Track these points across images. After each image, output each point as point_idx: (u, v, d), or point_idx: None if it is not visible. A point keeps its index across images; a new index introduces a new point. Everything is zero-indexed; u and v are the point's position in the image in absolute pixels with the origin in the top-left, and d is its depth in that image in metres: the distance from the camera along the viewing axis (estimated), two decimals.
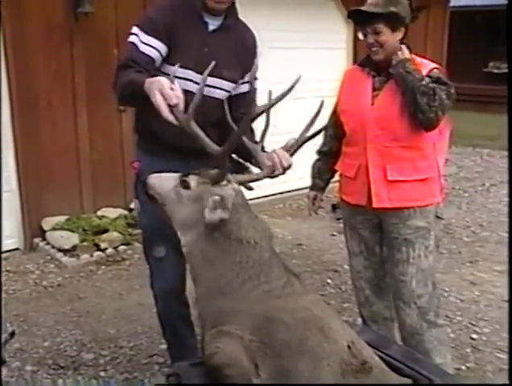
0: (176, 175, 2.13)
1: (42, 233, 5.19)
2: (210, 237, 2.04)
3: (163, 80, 2.02)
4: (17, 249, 5.13)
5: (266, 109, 2.13)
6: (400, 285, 2.85)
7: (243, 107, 2.54)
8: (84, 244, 5.01)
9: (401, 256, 2.81)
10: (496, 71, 16.24)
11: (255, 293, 1.97)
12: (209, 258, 2.05)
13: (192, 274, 2.16)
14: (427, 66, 2.72)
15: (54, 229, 5.12)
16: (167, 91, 1.97)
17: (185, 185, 2.09)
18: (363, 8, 2.66)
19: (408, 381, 1.96)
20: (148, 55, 2.39)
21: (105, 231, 5.16)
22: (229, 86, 2.59)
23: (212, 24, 2.52)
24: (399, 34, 2.70)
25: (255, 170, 2.35)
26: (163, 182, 2.15)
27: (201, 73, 2.28)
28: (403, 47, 2.68)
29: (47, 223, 5.18)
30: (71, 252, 4.96)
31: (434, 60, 8.17)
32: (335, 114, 2.94)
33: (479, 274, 4.75)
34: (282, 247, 5.03)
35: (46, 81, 5.07)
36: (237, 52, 2.59)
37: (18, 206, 5.11)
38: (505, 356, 3.49)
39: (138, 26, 2.44)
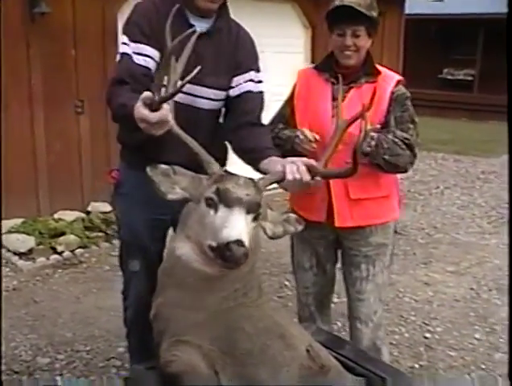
0: (247, 216, 1.82)
1: None
2: None
3: (139, 110, 1.94)
4: None
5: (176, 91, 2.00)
6: (358, 305, 2.76)
7: (247, 108, 2.41)
8: (41, 247, 4.94)
9: (359, 274, 2.72)
10: (450, 77, 16.68)
11: (228, 305, 1.94)
12: None
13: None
14: (392, 78, 2.59)
15: (9, 232, 5.02)
16: (147, 125, 1.94)
17: (257, 217, 1.89)
18: (352, 4, 2.42)
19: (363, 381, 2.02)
20: (144, 66, 2.27)
21: (62, 234, 5.09)
22: (214, 94, 2.41)
23: (200, 27, 2.33)
24: (370, 42, 2.57)
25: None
26: (249, 234, 1.81)
27: (192, 83, 2.19)
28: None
29: (3, 225, 5.06)
30: (27, 255, 4.88)
31: (390, 67, 8.32)
32: (287, 113, 2.69)
33: (432, 275, 4.87)
34: None
35: (1, 82, 4.98)
36: (230, 55, 2.42)
37: None
38: (456, 354, 3.61)
39: (126, 34, 2.32)
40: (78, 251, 5.05)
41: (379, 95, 2.43)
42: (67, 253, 4.97)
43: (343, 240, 2.75)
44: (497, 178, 8.77)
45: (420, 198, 7.49)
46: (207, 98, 2.41)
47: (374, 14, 2.48)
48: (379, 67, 2.60)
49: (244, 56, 2.46)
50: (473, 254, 5.40)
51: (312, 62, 7.52)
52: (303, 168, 2.04)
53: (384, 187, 2.67)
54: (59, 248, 4.96)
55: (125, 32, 2.34)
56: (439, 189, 7.95)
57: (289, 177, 2.03)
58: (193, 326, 1.90)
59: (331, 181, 2.56)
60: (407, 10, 9.64)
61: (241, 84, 2.43)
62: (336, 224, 2.63)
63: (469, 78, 16.45)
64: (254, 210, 1.84)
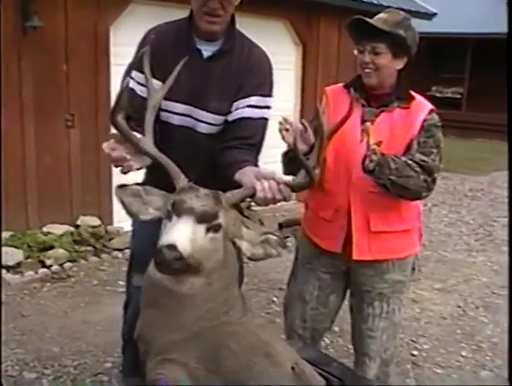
0: (197, 225, 1.80)
1: None
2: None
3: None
4: None
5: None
6: (368, 342, 2.62)
7: (235, 136, 2.33)
8: (29, 260, 4.92)
9: (372, 311, 2.56)
10: (438, 95, 16.82)
11: (211, 323, 1.93)
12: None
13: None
14: (425, 106, 2.44)
15: None
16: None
17: (216, 229, 1.85)
18: (369, 20, 2.34)
19: None
20: (145, 98, 2.22)
21: (51, 247, 5.08)
22: (213, 119, 2.40)
23: (207, 50, 2.36)
24: (400, 64, 2.41)
25: None
26: (196, 242, 1.79)
27: (183, 102, 2.31)
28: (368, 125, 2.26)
29: None
30: (15, 268, 4.85)
31: None
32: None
33: (420, 292, 4.90)
34: None
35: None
36: (237, 79, 2.37)
37: None
38: (442, 371, 3.64)
39: (131, 66, 2.32)
40: (67, 265, 5.03)
41: (410, 121, 2.38)
42: (55, 267, 4.95)
43: (356, 273, 2.57)
44: (484, 195, 8.87)
45: None
46: (206, 122, 2.41)
47: (401, 32, 2.33)
48: (413, 94, 2.46)
49: (249, 80, 2.38)
50: (460, 271, 5.45)
51: (303, 79, 7.60)
52: (275, 186, 1.95)
53: (407, 220, 2.51)
54: (48, 262, 4.94)
55: (131, 63, 2.31)
56: (427, 206, 7.99)
57: (259, 195, 1.95)
58: (177, 344, 1.90)
59: (352, 210, 2.43)
60: None
61: (239, 108, 2.37)
62: (354, 257, 2.46)
63: (458, 96, 16.63)
64: (207, 220, 1.82)
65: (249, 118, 2.36)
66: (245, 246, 1.96)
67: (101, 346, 3.70)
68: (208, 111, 2.38)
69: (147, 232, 2.41)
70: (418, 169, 2.32)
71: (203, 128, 2.41)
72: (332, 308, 2.68)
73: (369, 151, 2.24)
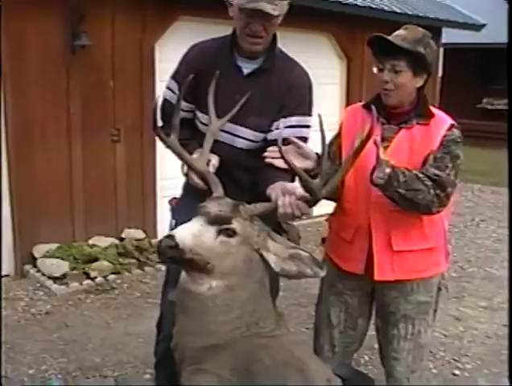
0: (208, 226, 1.90)
1: (33, 260, 5.23)
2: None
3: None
4: (7, 276, 5.15)
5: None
6: (393, 364, 2.56)
7: None
8: (74, 272, 5.04)
9: (397, 332, 2.51)
10: (490, 107, 16.48)
11: (242, 333, 1.96)
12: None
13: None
14: (445, 122, 2.39)
15: (45, 257, 5.15)
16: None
17: (229, 233, 1.92)
18: (389, 37, 2.30)
19: None
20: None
21: (96, 259, 5.19)
22: (252, 135, 2.43)
23: (246, 68, 2.41)
24: (419, 81, 2.36)
25: None
26: (200, 238, 1.88)
27: (235, 123, 2.37)
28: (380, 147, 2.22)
29: (39, 250, 5.22)
30: (61, 279, 4.98)
31: (428, 95, 8.19)
32: (333, 151, 2.48)
33: (464, 310, 4.79)
34: None
35: (41, 111, 5.17)
36: (276, 97, 2.40)
37: (10, 232, 5.15)
38: None
39: (172, 77, 2.52)
40: (111, 277, 5.14)
41: (430, 137, 2.34)
42: (99, 279, 5.07)
43: (380, 295, 2.52)
44: None
45: (455, 230, 7.37)
46: (246, 139, 2.44)
47: (421, 49, 2.28)
48: (433, 110, 2.42)
49: (291, 99, 2.41)
50: (507, 289, 5.29)
51: (347, 93, 7.58)
52: (296, 202, 2.00)
53: (430, 238, 2.44)
54: (93, 274, 5.05)
55: (172, 76, 2.50)
56: (475, 221, 7.84)
57: (280, 210, 2.01)
58: (210, 352, 1.93)
59: (373, 230, 2.39)
60: (445, 40, 9.62)
61: (280, 128, 2.39)
62: (376, 277, 2.42)
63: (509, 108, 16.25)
64: (218, 222, 1.91)
65: (287, 139, 2.34)
66: (272, 259, 1.98)
67: (141, 358, 3.75)
68: (247, 127, 2.41)
69: None
70: (428, 183, 2.27)
71: (242, 144, 2.45)
72: (360, 330, 2.63)
73: (378, 163, 2.21)
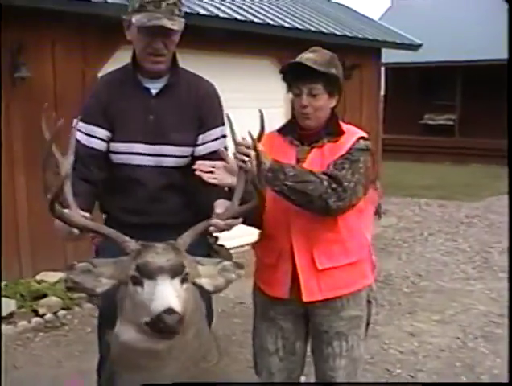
0: (173, 281, 1.80)
1: None
2: None
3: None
4: None
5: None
6: (329, 381, 2.53)
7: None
8: (22, 310, 4.88)
9: (332, 350, 2.48)
10: (431, 122, 16.98)
11: (191, 373, 1.93)
12: None
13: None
14: (353, 134, 2.44)
15: None
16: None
17: (186, 278, 1.86)
18: (305, 62, 2.32)
19: None
20: (91, 148, 2.37)
21: (45, 295, 5.04)
22: (180, 151, 2.41)
23: (154, 88, 2.41)
24: (333, 102, 2.43)
25: None
26: (180, 297, 1.78)
27: (149, 143, 2.33)
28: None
29: None
30: (8, 319, 4.79)
31: (369, 115, 8.44)
32: None
33: (418, 325, 4.86)
34: (224, 306, 5.02)
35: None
36: (190, 110, 2.44)
37: None
38: None
39: (79, 118, 2.35)
40: (60, 313, 4.99)
41: (339, 150, 2.38)
42: (49, 316, 4.91)
43: (312, 315, 2.49)
44: (480, 221, 8.86)
45: (404, 245, 7.52)
46: (173, 156, 2.42)
47: (334, 70, 2.35)
48: (344, 126, 2.47)
49: (207, 112, 2.46)
50: (458, 301, 5.40)
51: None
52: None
53: (352, 252, 2.45)
54: (41, 311, 4.90)
55: (78, 116, 2.35)
56: (424, 235, 8.00)
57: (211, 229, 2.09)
58: None
59: (295, 251, 2.38)
60: (385, 60, 9.89)
61: (208, 142, 2.44)
62: (304, 299, 2.39)
63: (450, 123, 16.75)
64: (179, 273, 1.82)
65: (217, 152, 2.37)
66: (205, 282, 1.97)
67: None
68: (171, 144, 2.40)
69: (109, 291, 2.41)
70: (322, 176, 2.27)
71: (171, 162, 2.42)
72: (300, 354, 2.59)
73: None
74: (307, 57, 2.36)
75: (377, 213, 8.73)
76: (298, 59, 2.36)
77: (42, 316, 4.89)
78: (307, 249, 2.38)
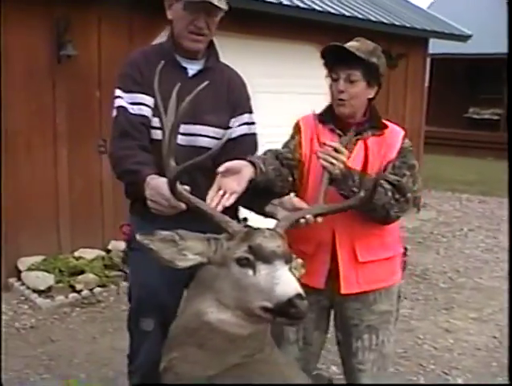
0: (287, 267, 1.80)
1: (17, 273, 5.14)
2: None
3: (161, 194, 2.03)
4: None
5: (208, 155, 2.02)
6: (358, 376, 2.52)
7: (241, 151, 2.35)
8: (60, 285, 4.96)
9: (361, 344, 2.48)
10: (476, 116, 16.62)
11: (246, 361, 1.91)
12: None
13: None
14: (399, 132, 2.43)
15: (30, 269, 5.07)
16: (163, 208, 2.03)
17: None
18: (346, 45, 2.30)
19: None
20: (140, 115, 2.35)
21: (82, 272, 5.11)
22: (215, 132, 2.42)
23: (191, 69, 2.43)
24: (371, 93, 2.38)
25: None
26: None
27: (186, 123, 2.29)
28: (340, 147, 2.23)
29: (23, 263, 5.14)
30: (46, 293, 4.90)
31: (414, 107, 8.30)
32: (296, 159, 2.41)
33: (454, 321, 4.77)
34: None
35: (26, 121, 5.10)
36: (224, 95, 2.47)
37: None
38: None
39: (119, 88, 2.40)
40: (96, 290, 5.06)
41: (387, 147, 2.36)
42: (85, 292, 4.98)
43: (342, 308, 2.50)
44: None
45: (443, 240, 7.39)
46: (208, 136, 2.43)
47: (375, 60, 2.32)
48: (385, 121, 2.46)
49: (238, 98, 2.51)
50: (497, 300, 5.28)
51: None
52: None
53: (390, 247, 2.48)
54: (78, 287, 4.97)
55: (118, 85, 2.41)
56: (463, 231, 7.84)
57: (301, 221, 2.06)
58: (210, 380, 1.88)
59: (337, 243, 2.37)
60: (431, 50, 9.67)
61: (237, 126, 2.48)
62: (342, 291, 2.39)
63: (496, 117, 16.36)
64: (290, 259, 1.83)
65: (246, 135, 2.48)
66: None
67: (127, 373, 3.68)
68: (206, 125, 2.41)
69: (152, 274, 2.35)
70: (387, 186, 2.26)
71: (205, 142, 2.42)
72: (317, 345, 2.59)
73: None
74: (350, 45, 2.33)
75: (417, 206, 8.62)
76: (334, 44, 2.32)
77: (79, 292, 4.96)
78: (349, 242, 2.37)
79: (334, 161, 2.18)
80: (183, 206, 1.97)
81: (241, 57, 2.64)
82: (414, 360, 4.04)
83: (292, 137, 2.49)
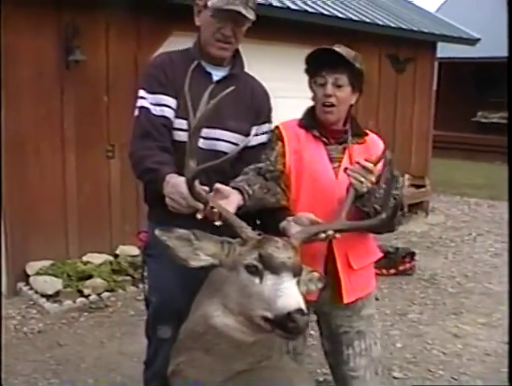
0: (294, 281, 1.79)
1: (26, 278, 5.15)
2: None
3: (179, 192, 2.04)
4: None
5: (226, 158, 2.06)
6: (352, 383, 2.51)
7: (255, 160, 2.40)
8: (68, 289, 4.96)
9: (352, 351, 2.48)
10: (484, 120, 16.53)
11: (252, 367, 1.92)
12: None
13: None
14: (377, 140, 2.47)
15: (38, 274, 5.07)
16: (181, 207, 2.04)
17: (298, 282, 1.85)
18: (336, 48, 2.28)
19: None
20: (162, 116, 2.37)
21: (90, 277, 5.12)
22: (235, 138, 2.44)
23: (216, 75, 2.45)
24: (354, 98, 2.37)
25: None
26: None
27: (214, 127, 2.34)
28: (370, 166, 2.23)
29: (31, 267, 5.14)
30: (54, 297, 4.91)
31: (422, 111, 8.24)
32: (278, 170, 2.36)
33: (463, 326, 4.73)
34: None
35: (34, 126, 5.12)
36: (246, 102, 2.49)
37: (3, 249, 5.08)
38: None
39: (143, 88, 2.41)
40: (104, 294, 5.06)
41: (367, 154, 2.34)
42: (93, 297, 4.99)
43: (330, 317, 2.49)
44: None
45: (452, 245, 7.35)
46: (228, 141, 2.44)
47: (358, 64, 2.31)
48: (369, 134, 2.49)
49: (260, 107, 2.54)
50: (506, 305, 5.23)
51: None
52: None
53: (374, 252, 2.54)
54: (86, 292, 4.98)
55: (142, 86, 2.43)
56: (472, 236, 7.79)
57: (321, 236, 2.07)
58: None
59: (336, 253, 2.36)
60: (439, 54, 9.64)
61: (259, 134, 2.51)
62: (345, 301, 2.40)
63: (504, 121, 16.25)
64: (299, 273, 1.82)
65: (265, 144, 2.50)
66: None
67: (135, 378, 3.62)
68: (227, 130, 2.43)
69: (168, 280, 2.37)
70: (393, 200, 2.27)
71: (225, 147, 2.43)
72: (305, 354, 2.63)
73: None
74: (331, 48, 2.31)
75: (425, 210, 8.59)
76: (321, 48, 2.32)
77: (87, 297, 4.97)
78: (344, 252, 2.39)
79: (363, 179, 2.19)
80: (201, 205, 1.98)
81: (250, 61, 2.63)
82: (422, 365, 4.02)
83: (272, 148, 2.42)
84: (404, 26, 7.91)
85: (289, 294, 1.70)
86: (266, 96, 2.59)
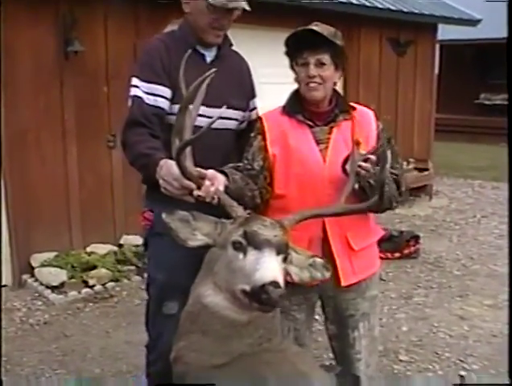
0: (277, 258, 1.80)
1: (30, 269, 5.16)
2: None
3: (171, 174, 2.00)
4: (4, 286, 5.08)
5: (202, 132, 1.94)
6: (357, 365, 2.50)
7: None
8: (73, 280, 4.97)
9: (357, 333, 2.46)
10: (487, 102, 16.44)
11: (252, 350, 1.92)
12: None
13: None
14: (368, 112, 2.42)
15: (42, 266, 5.09)
16: (174, 190, 2.00)
17: (287, 258, 1.88)
18: (315, 28, 2.21)
19: None
20: (156, 106, 2.35)
21: (94, 267, 5.13)
22: (238, 115, 2.54)
23: (209, 56, 2.49)
24: (337, 76, 2.32)
25: None
26: (281, 275, 1.77)
27: (209, 106, 2.30)
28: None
29: (36, 259, 5.16)
30: (59, 288, 4.92)
31: (424, 93, 8.16)
32: (261, 164, 2.32)
33: (468, 309, 4.72)
34: None
35: (35, 118, 5.11)
36: (240, 79, 2.59)
37: (7, 242, 5.08)
38: None
39: (136, 76, 2.38)
40: (109, 285, 5.07)
41: (361, 129, 2.33)
42: (98, 287, 5.00)
43: (335, 301, 2.44)
44: None
45: (456, 227, 7.33)
46: (232, 119, 2.51)
47: (339, 42, 2.25)
48: (351, 103, 2.42)
49: (251, 82, 2.67)
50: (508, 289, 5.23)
51: (345, 91, 7.52)
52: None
53: (375, 231, 2.49)
54: (91, 282, 4.99)
55: (136, 74, 2.40)
56: (476, 218, 7.77)
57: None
58: (218, 370, 1.88)
59: (330, 237, 2.31)
60: (440, 36, 9.56)
61: (255, 108, 2.67)
62: (343, 284, 2.35)
63: (507, 102, 16.17)
64: (284, 251, 1.83)
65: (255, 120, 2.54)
66: (293, 271, 1.97)
67: (141, 367, 3.66)
68: (232, 108, 2.45)
69: (173, 257, 2.37)
70: (391, 180, 2.29)
71: (232, 124, 2.53)
72: (309, 343, 2.58)
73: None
74: (311, 29, 2.23)
75: (428, 194, 8.56)
76: (300, 29, 2.24)
77: (91, 287, 4.98)
78: (341, 232, 2.34)
79: (372, 170, 2.16)
80: (194, 186, 1.97)
81: (246, 47, 2.66)
82: (429, 348, 4.01)
83: (250, 144, 2.37)
84: (404, 9, 7.85)
85: (266, 267, 1.72)
86: (250, 73, 2.69)
